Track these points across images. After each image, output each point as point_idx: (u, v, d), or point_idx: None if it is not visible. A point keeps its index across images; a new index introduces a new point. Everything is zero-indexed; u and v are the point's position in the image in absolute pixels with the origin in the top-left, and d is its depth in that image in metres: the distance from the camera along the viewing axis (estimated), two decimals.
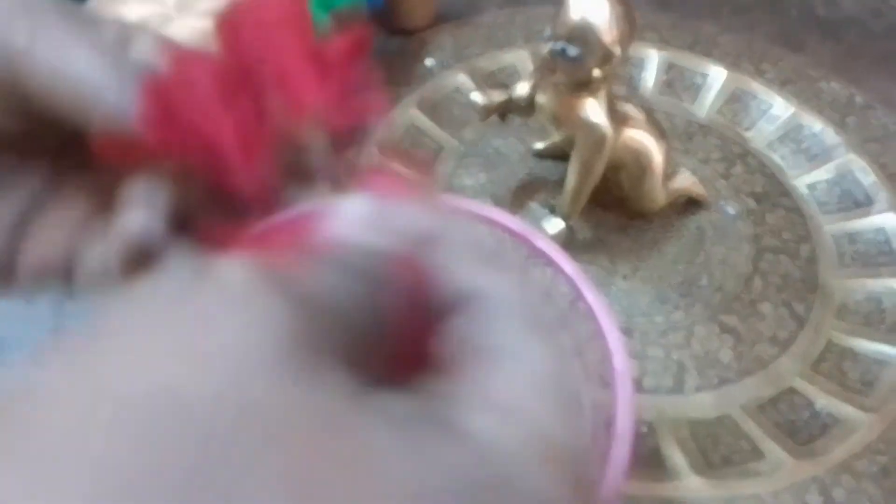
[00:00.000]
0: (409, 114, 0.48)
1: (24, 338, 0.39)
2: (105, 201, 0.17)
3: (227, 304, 0.11)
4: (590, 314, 0.31)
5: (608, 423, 0.17)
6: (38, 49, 0.15)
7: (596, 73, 0.36)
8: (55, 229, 0.17)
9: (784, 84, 0.50)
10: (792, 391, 0.37)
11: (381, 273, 0.14)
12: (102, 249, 0.17)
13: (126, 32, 0.17)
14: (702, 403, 0.37)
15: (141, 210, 0.16)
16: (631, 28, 0.36)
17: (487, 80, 0.50)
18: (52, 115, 0.15)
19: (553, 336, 0.14)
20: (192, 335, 0.11)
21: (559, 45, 0.36)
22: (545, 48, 0.36)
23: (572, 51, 0.35)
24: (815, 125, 0.48)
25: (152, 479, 0.09)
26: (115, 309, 0.11)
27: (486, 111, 0.41)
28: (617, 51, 0.36)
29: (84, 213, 0.18)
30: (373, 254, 0.14)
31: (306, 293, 0.13)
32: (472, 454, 0.11)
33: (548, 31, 0.36)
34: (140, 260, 0.16)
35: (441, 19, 0.55)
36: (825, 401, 0.36)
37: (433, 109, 0.49)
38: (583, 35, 0.35)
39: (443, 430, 0.12)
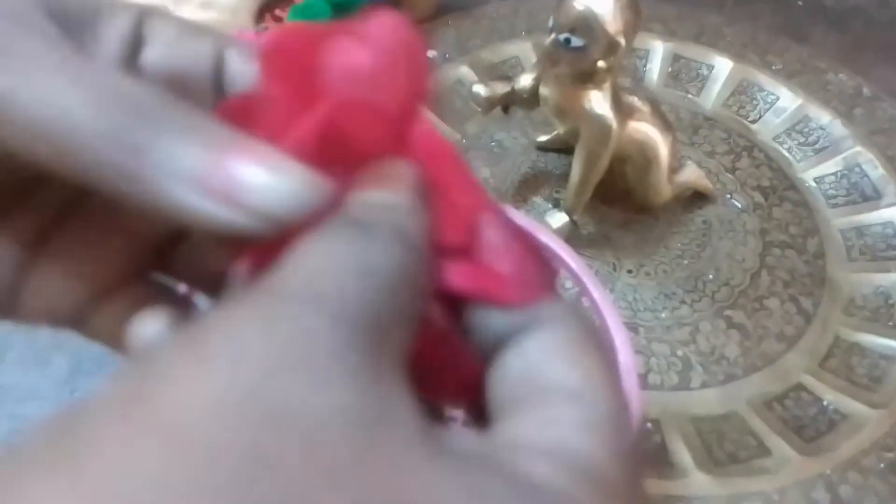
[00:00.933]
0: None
1: (20, 336, 0.39)
2: (112, 249, 0.16)
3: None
4: (595, 310, 0.30)
5: None
6: (17, 95, 0.12)
7: (601, 64, 0.35)
8: (61, 276, 0.16)
9: (791, 76, 0.50)
10: (799, 387, 0.36)
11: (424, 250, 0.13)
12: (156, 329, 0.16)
13: (138, 32, 0.15)
14: (707, 400, 0.36)
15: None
16: (636, 18, 0.36)
17: (490, 73, 0.50)
18: (31, 162, 0.13)
19: (607, 367, 0.13)
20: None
21: (563, 35, 0.35)
22: (549, 39, 0.36)
23: (577, 41, 0.35)
24: (823, 117, 0.47)
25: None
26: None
27: (489, 104, 0.41)
28: (622, 41, 0.35)
29: (92, 260, 0.16)
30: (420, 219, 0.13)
31: (354, 298, 0.11)
32: (534, 499, 0.11)
33: (551, 22, 0.36)
34: None
35: (443, 11, 0.54)
36: (832, 397, 0.36)
37: (435, 102, 0.48)
38: (587, 25, 0.34)
39: (504, 475, 0.11)
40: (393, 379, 0.11)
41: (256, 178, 0.12)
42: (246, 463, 0.09)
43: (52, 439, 0.09)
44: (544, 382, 0.13)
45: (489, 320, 0.13)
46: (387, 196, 0.13)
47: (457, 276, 0.13)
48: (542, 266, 0.13)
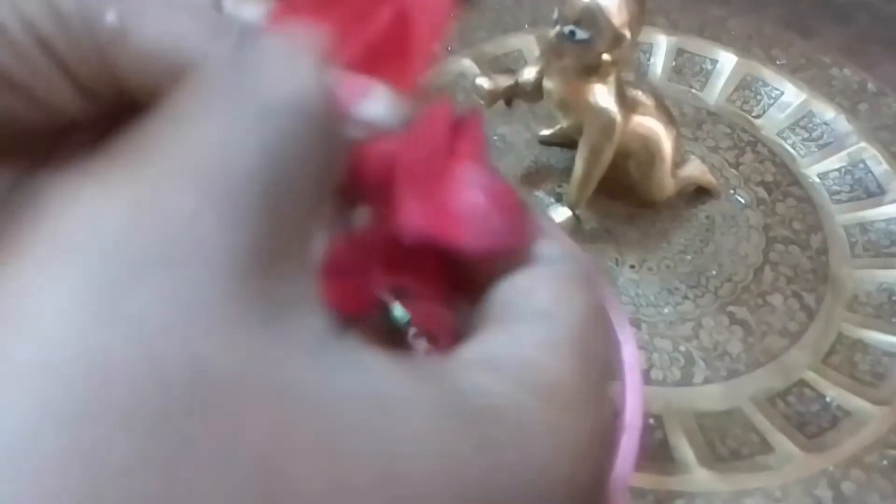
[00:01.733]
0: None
1: None
2: None
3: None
4: None
5: (616, 415, 0.17)
6: (130, 28, 0.12)
7: (605, 57, 0.35)
8: None
9: (795, 70, 0.49)
10: (802, 383, 0.36)
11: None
12: None
13: None
14: (710, 395, 0.36)
15: None
16: (641, 10, 0.35)
17: (493, 65, 0.49)
18: (143, 94, 0.13)
19: (593, 300, 0.13)
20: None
21: (568, 28, 0.35)
22: (553, 31, 0.36)
23: (581, 34, 0.35)
24: (827, 112, 0.47)
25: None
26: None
27: (492, 97, 0.40)
28: (627, 34, 0.35)
29: None
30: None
31: (243, 168, 0.10)
32: (477, 424, 0.10)
33: (556, 14, 0.35)
34: None
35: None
36: (835, 393, 0.36)
37: (438, 95, 0.48)
38: (592, 17, 0.34)
39: (429, 397, 0.10)
40: (292, 280, 0.10)
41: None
42: (88, 379, 0.08)
43: None
44: (521, 305, 0.12)
45: (483, 266, 0.13)
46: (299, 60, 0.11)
47: (414, 216, 0.12)
48: (513, 216, 0.13)
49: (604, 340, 0.13)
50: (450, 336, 0.13)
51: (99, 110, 0.14)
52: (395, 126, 0.12)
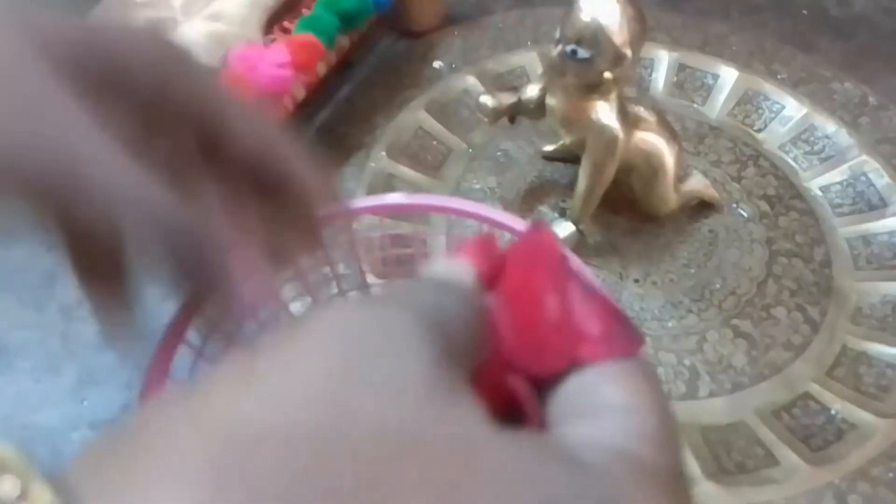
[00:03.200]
0: (417, 116, 0.48)
1: (31, 345, 0.39)
2: None
3: (381, 327, 0.13)
4: None
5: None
6: (89, 170, 0.16)
7: (607, 75, 0.36)
8: None
9: (796, 84, 0.50)
10: (807, 396, 0.37)
11: (478, 297, 0.16)
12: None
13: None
14: (715, 409, 0.36)
15: None
16: (642, 29, 0.36)
17: (496, 83, 0.50)
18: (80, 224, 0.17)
19: (660, 394, 0.14)
20: (353, 360, 0.12)
21: (570, 47, 0.35)
22: (555, 50, 0.36)
23: (583, 53, 0.35)
24: (828, 126, 0.48)
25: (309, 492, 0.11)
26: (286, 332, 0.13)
27: (495, 114, 0.41)
28: (628, 52, 0.35)
29: None
30: (468, 279, 0.16)
31: (433, 312, 0.14)
32: (592, 480, 0.12)
33: (558, 33, 0.36)
34: None
35: (449, 21, 0.54)
36: (840, 406, 0.36)
37: (441, 112, 0.49)
38: (594, 37, 0.35)
39: (557, 452, 0.13)
40: (460, 378, 0.13)
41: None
42: (332, 418, 0.11)
43: (180, 399, 0.12)
44: (597, 399, 0.14)
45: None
46: (457, 270, 0.16)
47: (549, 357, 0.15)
48: (624, 323, 0.15)
49: (677, 432, 0.14)
50: (540, 423, 0.15)
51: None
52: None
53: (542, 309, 0.16)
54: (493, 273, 0.16)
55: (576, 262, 0.22)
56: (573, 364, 0.15)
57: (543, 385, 0.15)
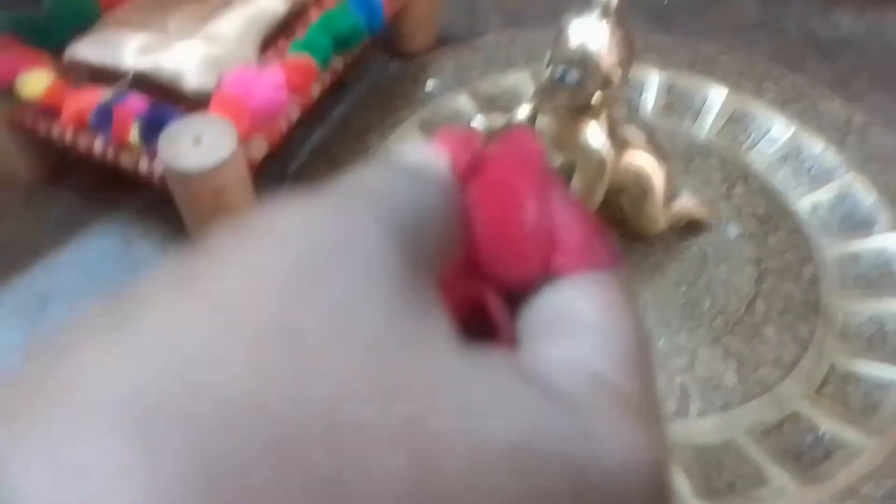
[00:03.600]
0: (410, 136, 0.48)
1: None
2: None
3: (334, 217, 0.12)
4: None
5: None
6: None
7: (596, 97, 0.36)
8: None
9: (784, 104, 0.51)
10: (796, 415, 0.37)
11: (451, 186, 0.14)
12: None
13: None
14: (706, 428, 0.37)
15: None
16: (630, 53, 0.36)
17: (489, 104, 0.51)
18: None
19: (636, 316, 0.14)
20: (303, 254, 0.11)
21: (559, 70, 0.36)
22: (545, 73, 0.37)
23: (572, 76, 0.36)
24: (816, 146, 0.48)
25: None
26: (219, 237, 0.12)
27: (487, 135, 0.42)
28: (617, 75, 0.36)
29: None
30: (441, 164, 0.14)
31: (402, 208, 0.12)
32: (570, 411, 0.11)
33: (548, 57, 0.37)
34: None
35: (442, 42, 0.55)
36: (829, 425, 0.36)
37: (434, 132, 0.49)
38: (583, 60, 0.35)
39: (529, 378, 0.12)
40: (427, 287, 0.12)
41: None
42: (282, 338, 0.10)
43: (108, 313, 0.10)
44: (573, 314, 0.13)
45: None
46: (432, 159, 0.15)
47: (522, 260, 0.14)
48: (603, 236, 0.15)
49: (649, 351, 0.14)
50: (510, 340, 0.14)
51: None
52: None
53: (520, 211, 0.14)
54: (471, 170, 0.15)
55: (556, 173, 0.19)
56: (548, 274, 0.14)
57: (516, 297, 0.14)
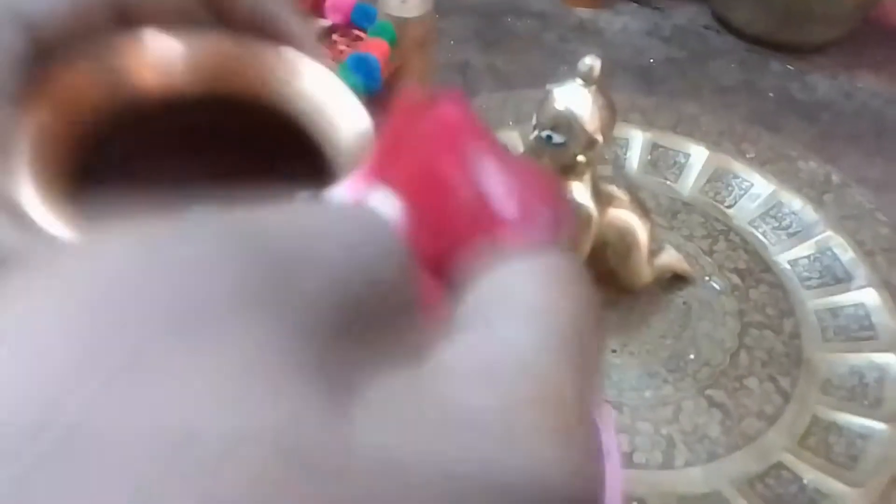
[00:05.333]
0: None
1: None
2: None
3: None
4: None
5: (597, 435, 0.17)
6: None
7: (580, 158, 0.38)
8: None
9: (763, 163, 0.53)
10: (780, 466, 0.38)
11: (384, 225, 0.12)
12: None
13: None
14: (692, 479, 0.37)
15: None
16: (612, 116, 0.39)
17: None
18: None
19: (578, 298, 0.12)
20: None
21: (545, 132, 0.38)
22: (532, 135, 0.39)
23: (557, 138, 0.38)
24: (795, 203, 0.50)
25: None
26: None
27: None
28: (600, 138, 0.38)
29: None
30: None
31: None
32: (470, 440, 0.10)
33: (534, 120, 0.39)
34: None
35: None
36: (812, 475, 0.37)
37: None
38: (567, 124, 0.37)
39: (436, 408, 0.10)
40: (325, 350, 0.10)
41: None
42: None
43: None
44: (510, 301, 0.12)
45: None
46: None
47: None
48: (547, 200, 0.13)
49: (595, 339, 0.12)
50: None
51: None
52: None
53: (444, 199, 0.13)
54: (383, 162, 0.13)
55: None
56: (490, 255, 0.13)
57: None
